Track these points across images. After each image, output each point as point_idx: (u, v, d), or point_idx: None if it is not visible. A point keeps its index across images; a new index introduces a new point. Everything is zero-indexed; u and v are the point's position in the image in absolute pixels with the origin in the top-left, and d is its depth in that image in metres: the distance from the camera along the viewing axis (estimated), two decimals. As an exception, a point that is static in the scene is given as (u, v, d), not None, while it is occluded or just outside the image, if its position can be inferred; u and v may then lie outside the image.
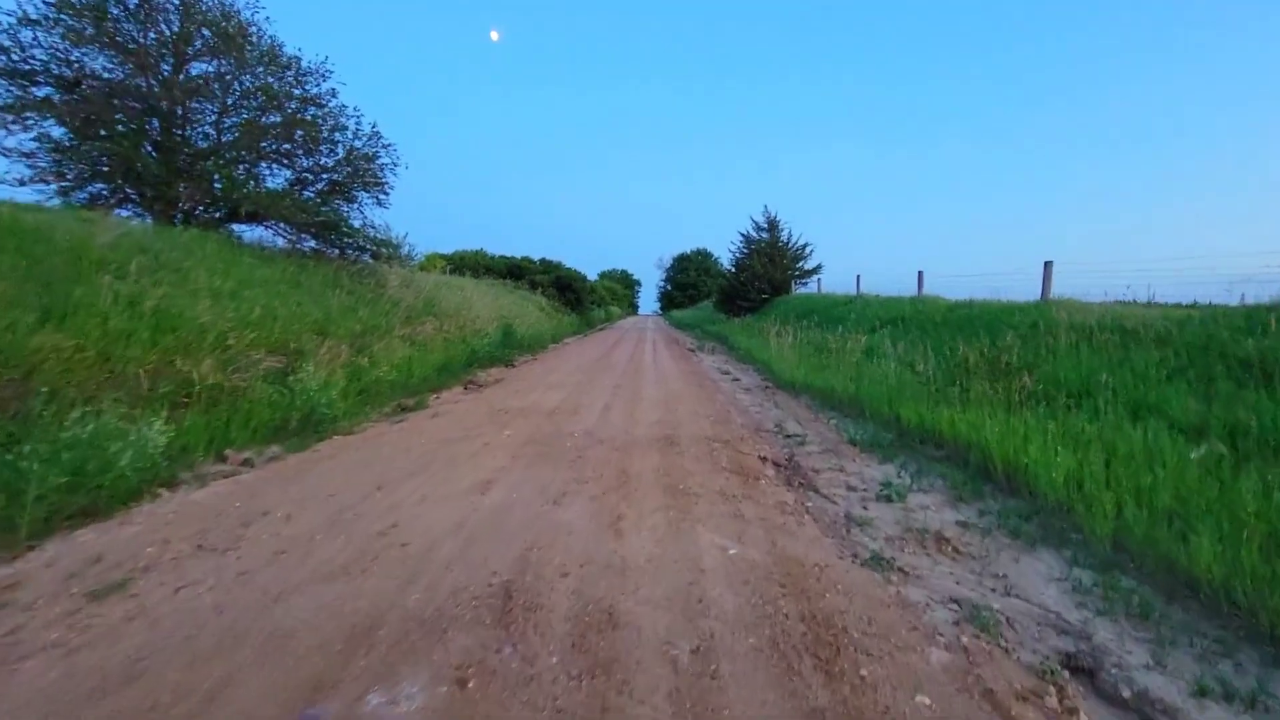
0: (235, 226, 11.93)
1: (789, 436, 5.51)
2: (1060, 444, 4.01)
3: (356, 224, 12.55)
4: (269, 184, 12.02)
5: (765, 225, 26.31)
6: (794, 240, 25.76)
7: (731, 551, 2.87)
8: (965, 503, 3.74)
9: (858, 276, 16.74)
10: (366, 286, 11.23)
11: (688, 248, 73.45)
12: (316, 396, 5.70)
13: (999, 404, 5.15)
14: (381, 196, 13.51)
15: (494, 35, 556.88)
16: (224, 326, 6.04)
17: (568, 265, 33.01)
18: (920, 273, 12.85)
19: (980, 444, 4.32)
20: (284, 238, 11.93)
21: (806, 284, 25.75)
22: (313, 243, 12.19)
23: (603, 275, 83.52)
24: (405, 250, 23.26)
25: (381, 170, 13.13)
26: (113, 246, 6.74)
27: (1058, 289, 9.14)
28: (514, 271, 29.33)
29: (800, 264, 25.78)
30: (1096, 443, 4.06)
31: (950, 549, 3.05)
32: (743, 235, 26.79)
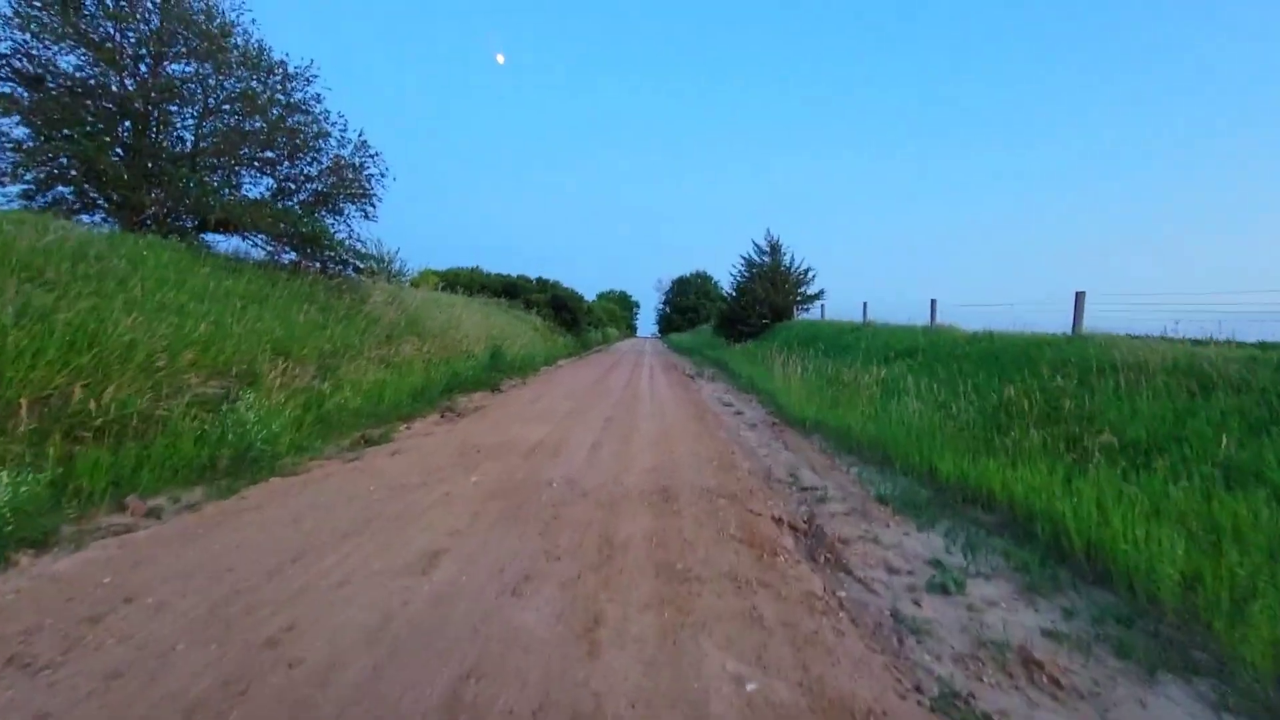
0: (211, 236, 11.26)
1: (805, 489, 4.71)
2: (1152, 519, 3.22)
3: (342, 237, 11.91)
4: (250, 192, 11.38)
5: (767, 249, 25.79)
6: (796, 265, 25.23)
7: (750, 687, 2.05)
8: (1043, 597, 2.92)
9: (864, 304, 16.10)
10: (345, 302, 10.47)
11: (687, 271, 73.23)
12: (254, 429, 4.89)
13: (1054, 458, 4.37)
14: (369, 209, 12.91)
15: (499, 59, 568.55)
16: (157, 345, 5.24)
17: (565, 285, 32.48)
18: (933, 301, 12.19)
19: (1047, 513, 3.53)
20: (263, 249, 11.25)
21: (808, 310, 25.16)
22: (293, 255, 11.50)
23: (601, 296, 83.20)
24: (397, 266, 22.65)
25: (369, 181, 12.54)
26: (44, 251, 5.99)
27: (1088, 322, 8.45)
28: (510, 290, 28.69)
29: (802, 289, 25.21)
30: (1193, 517, 3.27)
31: (1046, 678, 2.23)
32: (744, 258, 26.26)
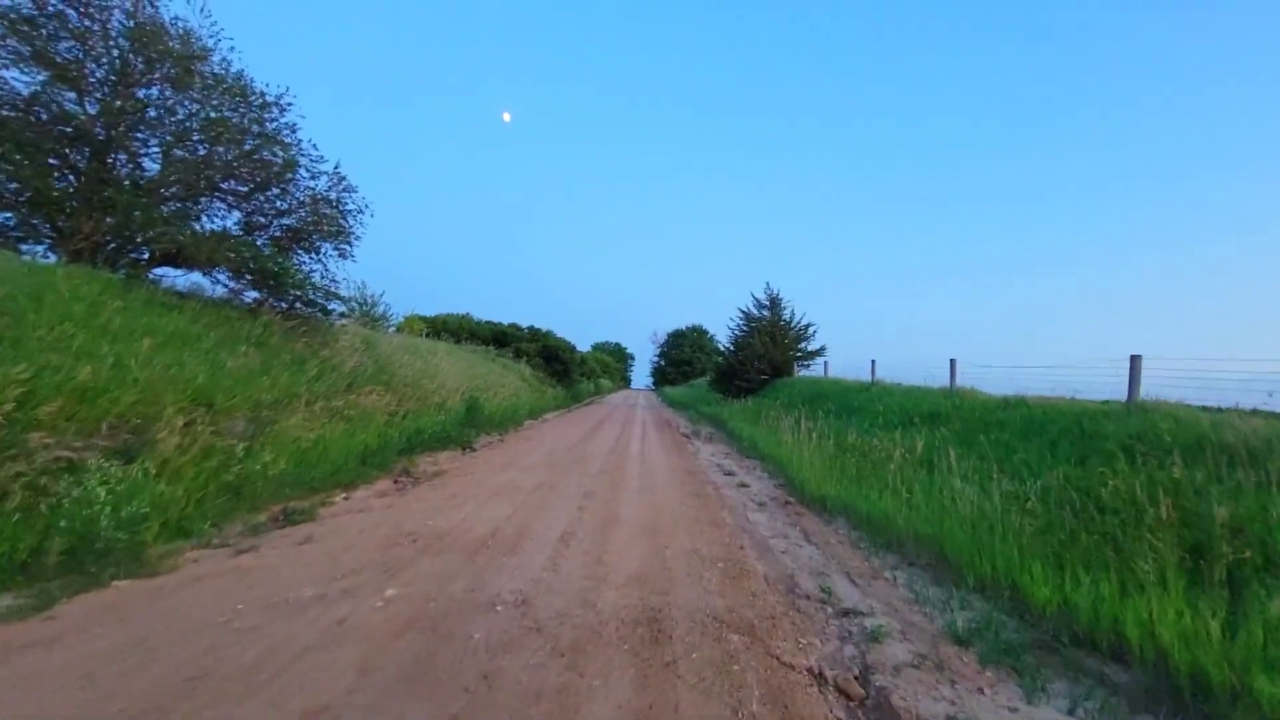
0: (170, 271, 10.27)
1: (846, 614, 3.44)
2: None
3: (318, 276, 10.99)
4: (215, 225, 10.48)
5: (766, 302, 25.13)
6: (797, 319, 24.51)
7: None
8: None
9: (872, 361, 15.12)
10: (299, 346, 9.34)
11: (683, 324, 73.04)
12: (104, 509, 3.63)
13: (1191, 582, 3.16)
14: (346, 247, 12.03)
15: (505, 116, 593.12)
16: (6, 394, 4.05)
17: (558, 335, 31.61)
18: (953, 361, 11.18)
19: (1228, 686, 2.30)
20: (225, 286, 10.24)
21: (808, 366, 24.23)
22: (255, 293, 10.48)
23: (596, 347, 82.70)
24: (380, 310, 21.67)
25: (346, 217, 11.72)
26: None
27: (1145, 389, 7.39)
28: (499, 339, 27.74)
29: (803, 345, 24.38)
30: None
31: None
32: (742, 312, 25.55)
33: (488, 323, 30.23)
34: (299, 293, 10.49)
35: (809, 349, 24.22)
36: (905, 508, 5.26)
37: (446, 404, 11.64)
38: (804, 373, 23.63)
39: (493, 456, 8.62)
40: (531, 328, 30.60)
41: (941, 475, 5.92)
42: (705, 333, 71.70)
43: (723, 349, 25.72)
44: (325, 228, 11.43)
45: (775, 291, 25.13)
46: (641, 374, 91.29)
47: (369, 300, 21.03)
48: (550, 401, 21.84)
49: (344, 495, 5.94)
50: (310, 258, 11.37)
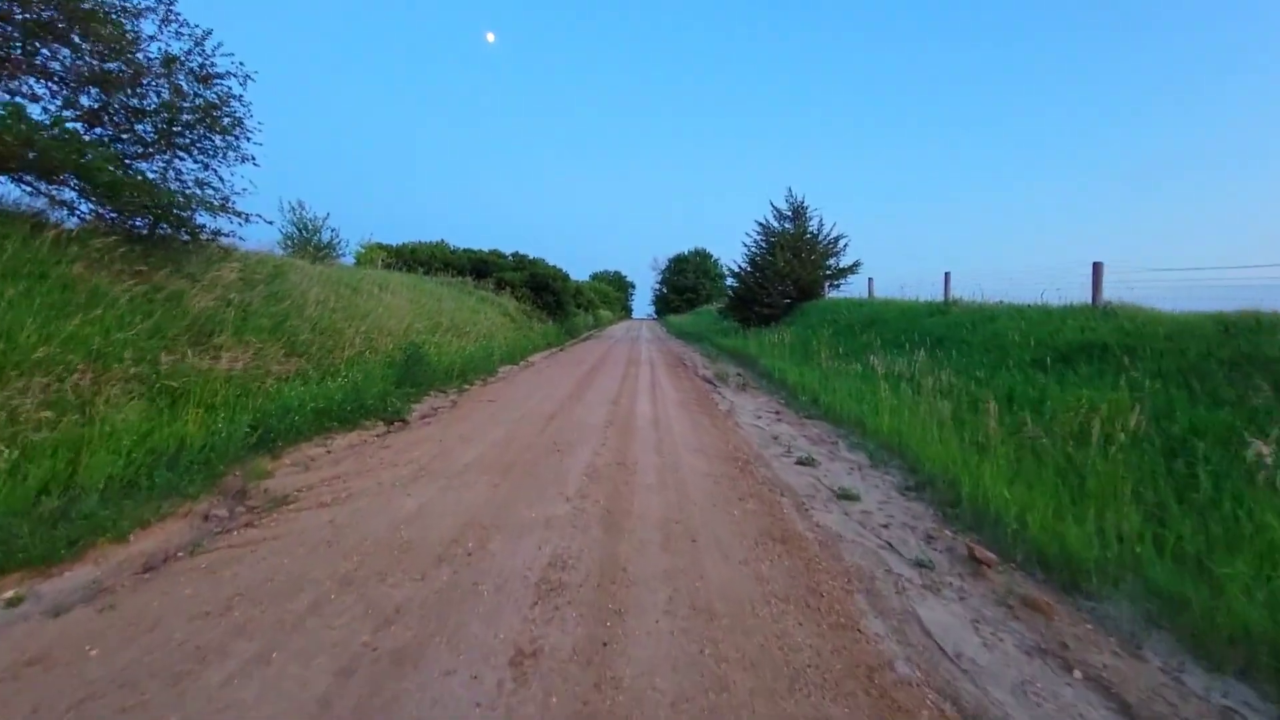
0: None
1: None
2: None
3: (212, 186, 7.56)
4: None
5: (789, 213, 21.15)
6: (825, 231, 20.61)
7: None
8: None
9: (947, 275, 11.59)
10: (149, 282, 5.96)
11: (686, 249, 68.38)
12: None
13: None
14: (235, 142, 8.35)
15: (489, 37, 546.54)
16: None
17: (549, 263, 27.73)
18: (1098, 266, 7.69)
19: None
20: (33, 192, 6.73)
21: (838, 286, 20.67)
22: (89, 205, 7.00)
23: (595, 276, 78.38)
24: (327, 237, 17.90)
25: (227, 106, 8.02)
26: None
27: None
28: (479, 268, 24.03)
29: (832, 261, 20.66)
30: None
31: None
32: (760, 225, 21.62)
33: (466, 251, 26.36)
34: (150, 203, 6.96)
35: (840, 265, 20.53)
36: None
37: (370, 359, 8.35)
38: (834, 294, 20.10)
39: (418, 442, 5.41)
40: (517, 254, 26.76)
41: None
42: (709, 257, 67.28)
43: (736, 270, 22.00)
44: (202, 119, 7.78)
45: (799, 199, 21.09)
46: (643, 303, 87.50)
47: (308, 225, 17.20)
48: (539, 340, 18.53)
49: (35, 583, 2.77)
50: (185, 159, 7.84)
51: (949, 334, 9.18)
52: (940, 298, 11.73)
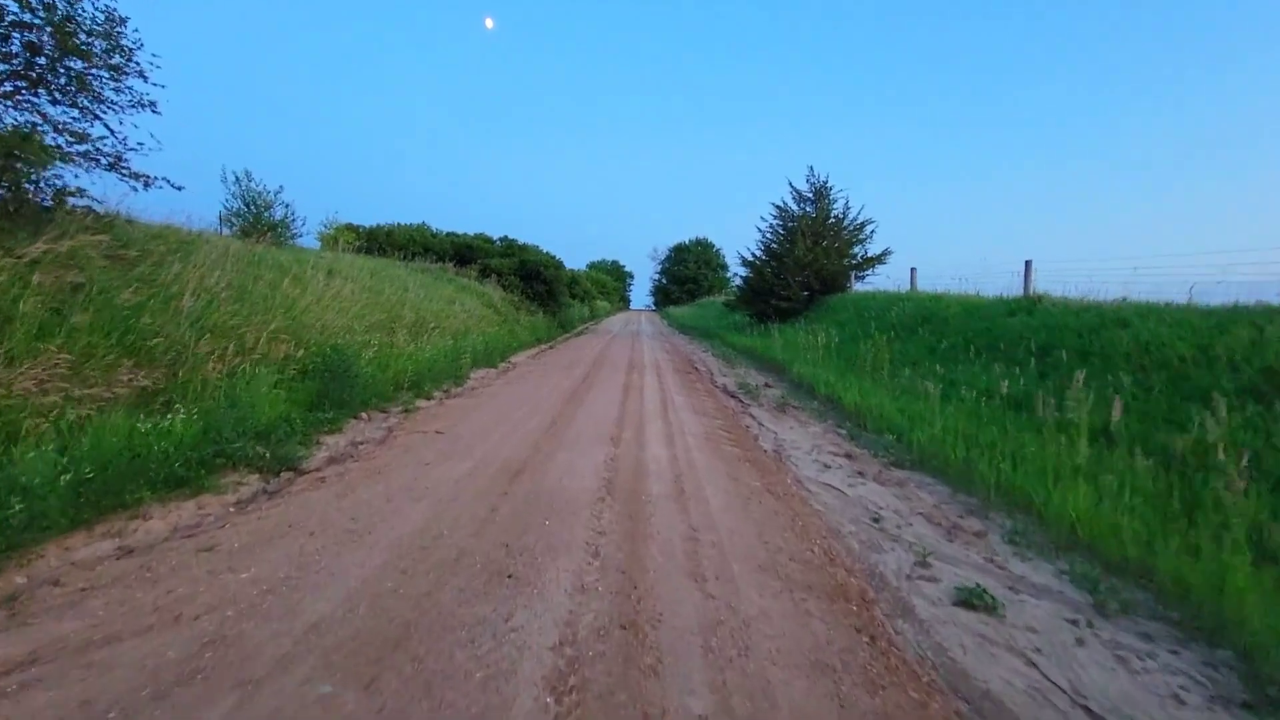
0: None
1: None
2: None
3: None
4: None
5: (810, 194, 18.77)
6: (851, 215, 18.24)
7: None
8: None
9: (1028, 264, 9.29)
10: None
11: (687, 239, 65.89)
12: None
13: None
14: (117, 82, 6.24)
15: (489, 23, 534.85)
16: None
17: (543, 250, 25.29)
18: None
19: None
20: None
21: (863, 278, 18.37)
22: None
23: (593, 266, 75.81)
24: (282, 213, 15.49)
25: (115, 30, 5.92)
26: None
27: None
28: (462, 254, 21.65)
29: (856, 250, 18.33)
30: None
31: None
32: (777, 208, 19.26)
33: (450, 235, 23.97)
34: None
35: (868, 253, 18.20)
36: None
37: (300, 360, 6.10)
38: (860, 286, 17.84)
39: (270, 539, 3.16)
40: (506, 239, 24.36)
41: None
42: (711, 246, 64.88)
43: (751, 258, 19.66)
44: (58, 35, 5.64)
45: (821, 178, 18.66)
46: (641, 293, 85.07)
47: (257, 200, 14.79)
48: (526, 335, 16.22)
49: None
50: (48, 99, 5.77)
51: (1055, 340, 6.96)
52: (1010, 291, 9.46)
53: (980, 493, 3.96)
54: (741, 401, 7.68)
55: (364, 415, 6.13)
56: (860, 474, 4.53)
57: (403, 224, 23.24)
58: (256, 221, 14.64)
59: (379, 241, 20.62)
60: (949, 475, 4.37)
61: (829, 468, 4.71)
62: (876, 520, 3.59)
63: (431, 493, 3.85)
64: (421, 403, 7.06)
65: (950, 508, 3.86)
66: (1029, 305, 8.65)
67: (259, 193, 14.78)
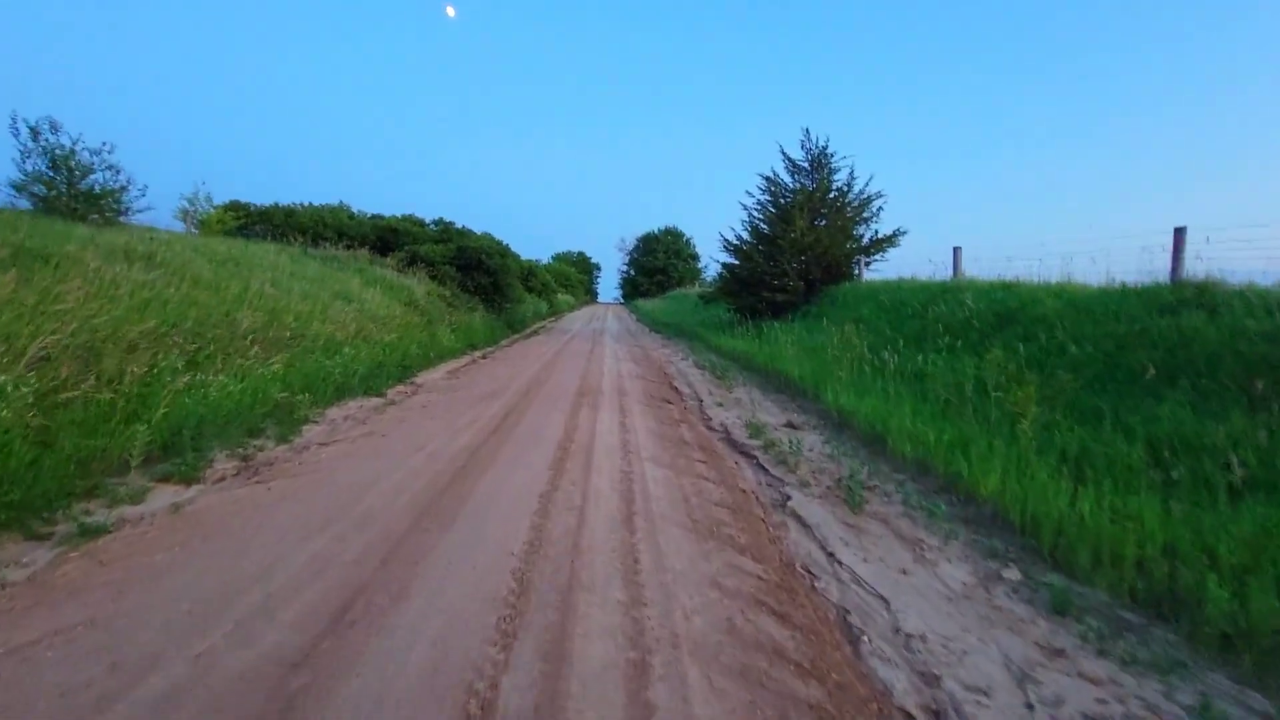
0: None
1: None
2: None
3: None
4: None
5: (806, 164, 15.50)
6: (856, 188, 15.05)
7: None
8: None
9: (1178, 230, 6.23)
10: None
11: (656, 228, 62.43)
12: None
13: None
14: None
15: (450, 11, 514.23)
16: None
17: (490, 235, 21.33)
18: None
19: None
20: None
21: (870, 264, 15.22)
22: None
23: (557, 257, 71.59)
24: (114, 183, 11.50)
25: None
26: None
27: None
28: (384, 240, 17.75)
29: (861, 229, 15.22)
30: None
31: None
32: (766, 179, 15.88)
33: (372, 217, 19.95)
34: None
35: (878, 234, 15.11)
36: None
37: None
38: (869, 275, 14.74)
39: None
40: (441, 222, 20.45)
41: None
42: (681, 236, 61.64)
43: (734, 242, 16.30)
44: None
45: (820, 143, 15.36)
46: (609, 285, 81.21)
47: (68, 163, 10.70)
48: (455, 341, 12.53)
49: None
50: None
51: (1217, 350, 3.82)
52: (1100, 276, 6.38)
53: None
54: (767, 473, 4.33)
55: (93, 506, 2.53)
56: None
57: (313, 204, 19.12)
58: (62, 192, 10.60)
59: (275, 223, 16.54)
60: None
61: None
62: None
63: None
64: (196, 484, 3.43)
65: None
66: (1195, 297, 5.57)
67: (71, 154, 10.67)
